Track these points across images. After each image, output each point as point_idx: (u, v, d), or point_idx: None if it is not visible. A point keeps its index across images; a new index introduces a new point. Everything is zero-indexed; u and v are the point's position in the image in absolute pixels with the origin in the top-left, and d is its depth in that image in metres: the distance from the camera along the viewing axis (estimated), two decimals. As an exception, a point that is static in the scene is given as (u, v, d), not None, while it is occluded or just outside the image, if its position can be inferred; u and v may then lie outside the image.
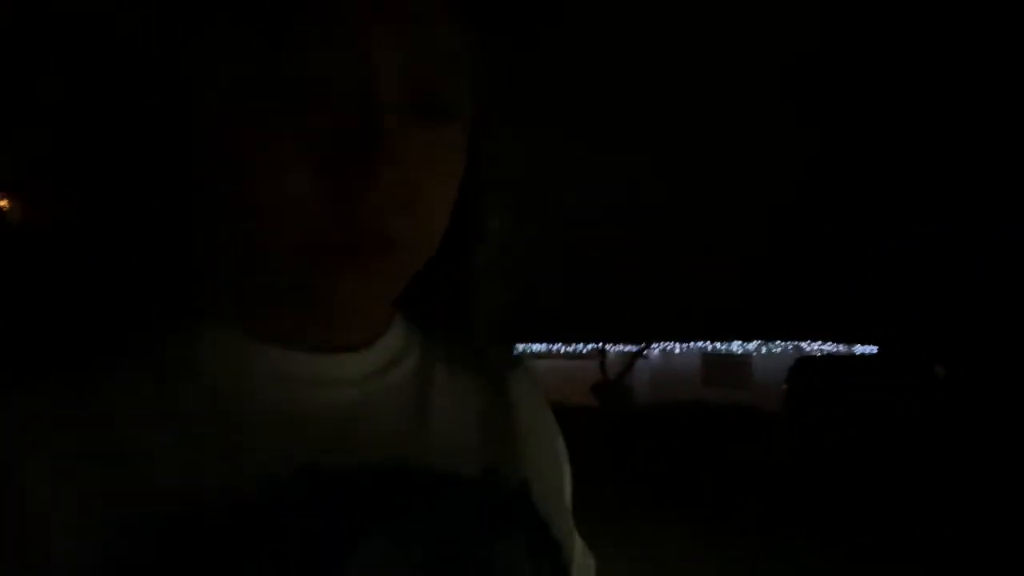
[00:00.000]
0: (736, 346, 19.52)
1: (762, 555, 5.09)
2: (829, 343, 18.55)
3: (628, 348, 19.10)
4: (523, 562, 0.42)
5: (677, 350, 20.26)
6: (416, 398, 0.44)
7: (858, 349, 17.96)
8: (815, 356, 13.05)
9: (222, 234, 0.39)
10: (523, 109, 0.47)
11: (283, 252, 0.37)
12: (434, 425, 0.44)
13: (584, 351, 19.65)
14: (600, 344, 18.73)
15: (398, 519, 0.39)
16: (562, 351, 19.82)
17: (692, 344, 19.99)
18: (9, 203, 0.40)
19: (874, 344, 17.53)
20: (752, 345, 19.25)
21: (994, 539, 5.51)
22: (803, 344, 18.61)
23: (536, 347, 19.53)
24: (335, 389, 0.41)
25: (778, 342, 18.84)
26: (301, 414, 0.40)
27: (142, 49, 0.38)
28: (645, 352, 19.26)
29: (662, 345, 20.04)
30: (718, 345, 19.74)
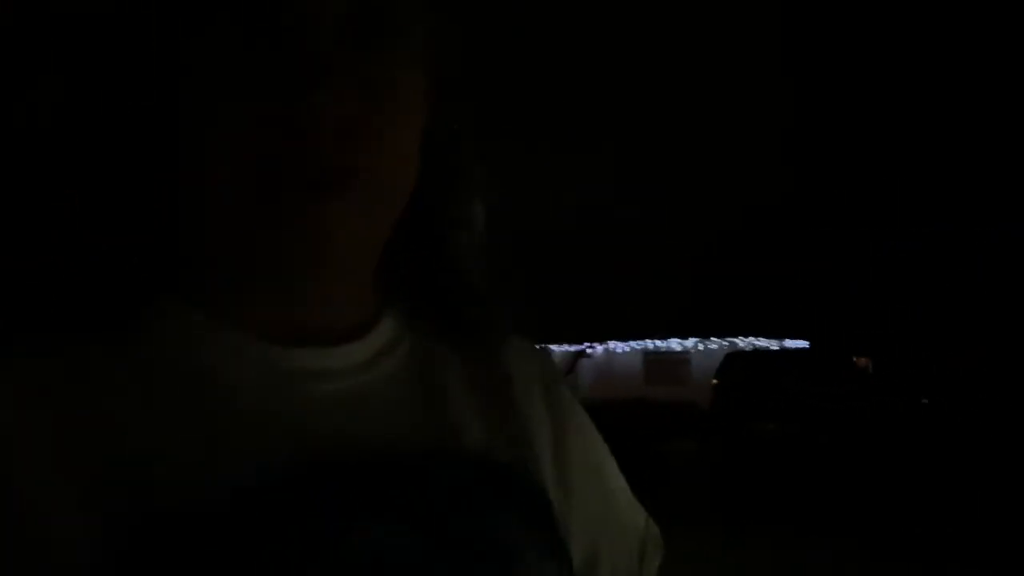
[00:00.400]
0: (675, 344, 20.18)
1: (701, 543, 5.45)
2: (762, 338, 19.37)
3: (572, 348, 19.54)
4: (520, 541, 0.42)
5: (620, 349, 20.81)
6: (411, 386, 0.45)
7: (788, 344, 18.82)
8: (743, 351, 13.64)
9: (198, 206, 0.40)
10: (479, 110, 0.49)
11: (244, 198, 0.38)
12: (430, 411, 0.44)
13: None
14: (544, 345, 19.09)
15: (394, 507, 0.39)
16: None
17: (634, 343, 20.55)
18: None
19: (803, 339, 18.39)
20: (690, 342, 19.94)
21: (912, 514, 6.01)
22: (737, 340, 19.38)
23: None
24: (329, 381, 0.41)
25: (714, 339, 19.59)
26: (296, 407, 0.40)
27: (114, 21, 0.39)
28: (588, 351, 19.74)
29: (606, 345, 20.54)
30: (659, 343, 20.35)
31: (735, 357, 12.63)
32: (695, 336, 19.89)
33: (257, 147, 0.37)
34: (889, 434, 9.38)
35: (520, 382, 0.50)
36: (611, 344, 20.65)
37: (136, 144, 0.40)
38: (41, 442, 0.36)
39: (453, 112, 0.47)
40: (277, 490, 0.37)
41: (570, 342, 19.66)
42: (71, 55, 0.40)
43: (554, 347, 19.54)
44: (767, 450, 9.42)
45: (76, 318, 0.39)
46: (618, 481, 0.54)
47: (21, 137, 0.40)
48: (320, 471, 0.39)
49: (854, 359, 12.84)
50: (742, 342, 19.32)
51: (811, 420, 10.04)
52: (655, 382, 19.98)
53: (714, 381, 12.31)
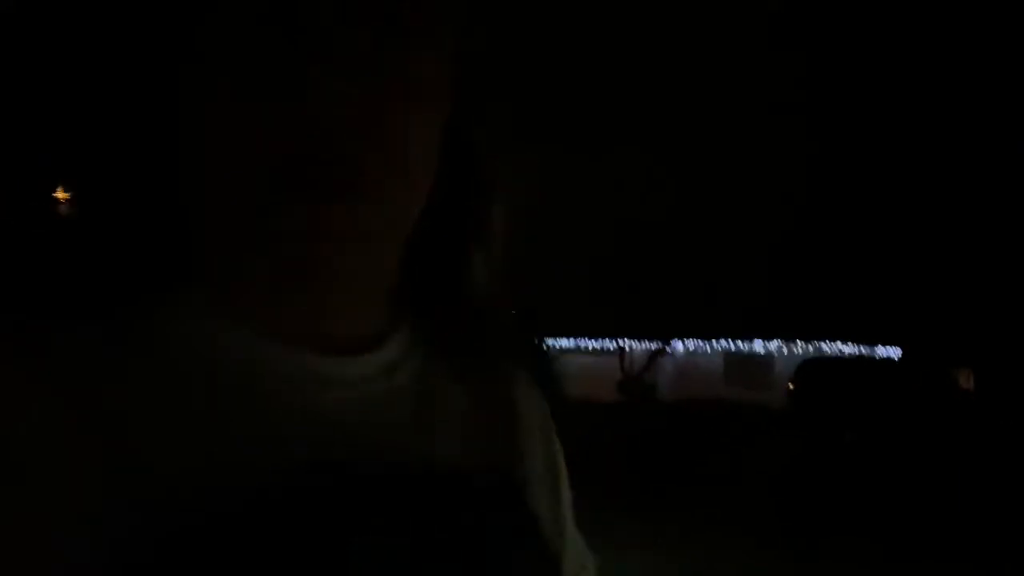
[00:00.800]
0: (758, 345, 19.76)
1: (763, 551, 5.40)
2: (850, 343, 18.68)
3: (651, 345, 19.41)
4: (515, 560, 0.42)
5: (700, 348, 20.52)
6: (418, 402, 0.44)
7: (879, 351, 18.08)
8: (822, 357, 13.20)
9: (201, 199, 0.38)
10: (532, 111, 0.56)
11: (244, 194, 0.36)
12: (434, 429, 0.44)
13: (609, 348, 20.00)
14: (623, 341, 19.08)
15: (393, 520, 0.38)
16: (588, 347, 20.22)
17: (715, 342, 20.23)
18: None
19: (896, 346, 17.60)
20: (774, 344, 19.48)
21: (990, 539, 5.76)
22: (824, 344, 18.78)
23: (563, 343, 19.92)
24: (336, 390, 0.41)
25: (799, 342, 19.05)
26: (300, 413, 0.39)
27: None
28: (668, 349, 19.57)
29: (686, 343, 20.30)
30: (741, 344, 19.97)
31: (813, 363, 12.27)
32: (779, 338, 19.39)
33: (255, 139, 0.36)
34: (986, 459, 8.76)
35: (524, 418, 0.51)
36: (691, 343, 20.37)
37: (140, 132, 0.38)
38: (41, 434, 0.35)
39: (477, 115, 0.45)
40: (279, 498, 0.36)
41: (650, 338, 19.51)
42: (74, 40, 0.39)
43: (634, 342, 19.48)
44: (841, 462, 9.12)
45: (86, 313, 0.38)
46: (576, 532, 0.55)
47: (26, 124, 0.39)
48: (324, 483, 0.38)
49: (952, 371, 12.15)
50: (828, 347, 18.74)
51: (895, 435, 9.60)
52: (735, 383, 19.65)
53: (789, 386, 12.01)
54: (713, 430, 10.90)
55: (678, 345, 20.32)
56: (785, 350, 19.27)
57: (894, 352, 17.58)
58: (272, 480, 0.37)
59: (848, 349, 18.64)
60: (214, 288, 0.40)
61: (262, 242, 0.38)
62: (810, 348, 18.79)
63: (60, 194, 0.39)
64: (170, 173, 0.39)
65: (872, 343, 18.52)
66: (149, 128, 0.38)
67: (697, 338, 20.15)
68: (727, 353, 20.35)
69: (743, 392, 18.27)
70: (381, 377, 0.43)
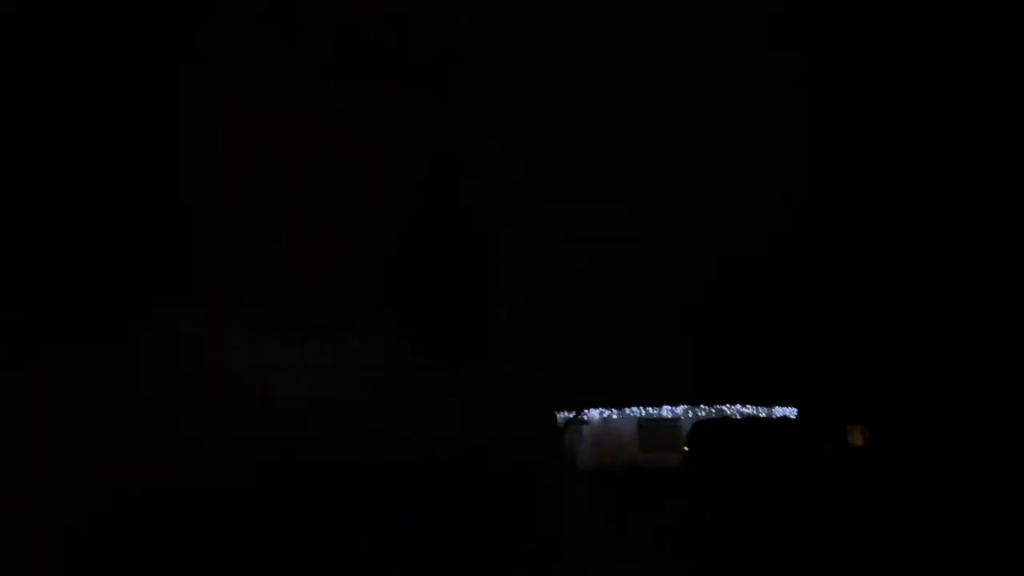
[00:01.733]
0: (667, 411, 20.62)
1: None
2: (750, 406, 19.75)
3: (567, 415, 19.92)
4: (499, 554, 0.40)
5: (615, 416, 21.17)
6: (399, 390, 0.43)
7: (777, 411, 19.15)
8: (713, 419, 13.65)
9: (201, 197, 0.38)
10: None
11: (246, 188, 0.36)
12: (415, 416, 0.43)
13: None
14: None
15: (374, 508, 0.38)
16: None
17: (629, 410, 20.94)
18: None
19: (792, 407, 18.70)
20: (680, 409, 20.37)
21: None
22: (725, 407, 19.78)
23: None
24: (309, 376, 0.40)
25: (703, 406, 20.03)
26: (274, 401, 0.39)
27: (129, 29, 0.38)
28: (583, 418, 20.12)
29: (601, 412, 20.93)
30: (651, 410, 20.76)
31: (703, 424, 12.65)
32: (685, 403, 20.30)
33: (252, 141, 0.36)
34: (875, 510, 9.25)
35: (514, 406, 0.48)
36: (606, 411, 21.00)
37: (140, 132, 0.39)
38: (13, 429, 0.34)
39: (465, 151, 0.46)
40: (257, 489, 0.36)
41: (565, 409, 20.03)
42: (74, 40, 0.39)
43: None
44: (733, 520, 9.60)
45: (83, 322, 0.38)
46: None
47: (26, 124, 0.39)
48: (303, 472, 0.38)
49: (846, 429, 12.80)
50: (729, 409, 19.72)
51: (783, 491, 10.10)
52: (649, 447, 20.35)
53: (685, 448, 12.54)
54: (628, 494, 11.21)
55: (593, 414, 20.93)
56: (691, 414, 20.19)
57: (790, 412, 18.69)
58: (246, 472, 0.36)
59: (748, 411, 19.69)
60: (206, 287, 0.40)
61: (249, 243, 0.38)
62: (712, 411, 19.76)
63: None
64: (170, 173, 0.39)
65: (772, 404, 19.67)
66: (149, 129, 0.39)
67: (610, 407, 20.80)
68: (640, 419, 21.07)
69: (656, 456, 18.95)
70: (360, 362, 0.42)
